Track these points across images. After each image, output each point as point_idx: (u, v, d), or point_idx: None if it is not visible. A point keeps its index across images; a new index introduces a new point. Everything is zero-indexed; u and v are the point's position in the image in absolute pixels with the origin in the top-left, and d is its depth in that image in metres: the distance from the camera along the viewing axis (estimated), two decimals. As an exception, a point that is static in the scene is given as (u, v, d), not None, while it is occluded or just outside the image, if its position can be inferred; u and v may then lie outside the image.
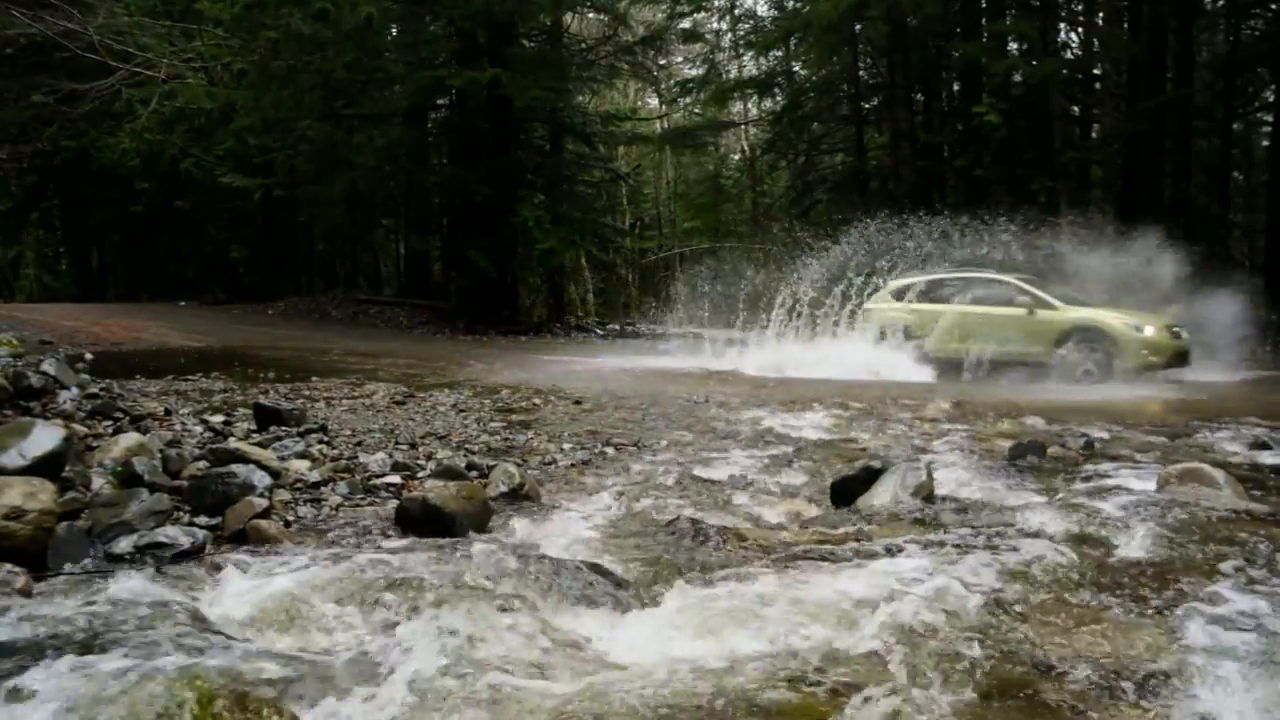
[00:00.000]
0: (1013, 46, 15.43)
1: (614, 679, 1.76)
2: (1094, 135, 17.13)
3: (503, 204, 15.96)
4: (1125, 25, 16.17)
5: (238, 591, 2.06)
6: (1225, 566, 2.34)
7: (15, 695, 1.49)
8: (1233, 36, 17.52)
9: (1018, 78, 14.89)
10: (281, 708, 1.40)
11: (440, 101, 18.12)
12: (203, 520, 2.59)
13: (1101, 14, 15.52)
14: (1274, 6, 16.61)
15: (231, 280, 22.66)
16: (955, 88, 17.88)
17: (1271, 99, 18.49)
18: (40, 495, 2.20)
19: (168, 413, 5.19)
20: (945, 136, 16.79)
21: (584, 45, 18.83)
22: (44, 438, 2.50)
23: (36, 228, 26.37)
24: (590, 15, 19.56)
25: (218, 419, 4.85)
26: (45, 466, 2.43)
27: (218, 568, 2.23)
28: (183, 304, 19.21)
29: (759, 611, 2.01)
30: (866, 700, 1.60)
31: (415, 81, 16.13)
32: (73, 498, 2.48)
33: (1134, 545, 2.53)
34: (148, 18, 16.17)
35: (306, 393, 6.80)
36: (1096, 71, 15.95)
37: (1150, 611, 2.12)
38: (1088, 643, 1.95)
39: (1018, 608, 2.11)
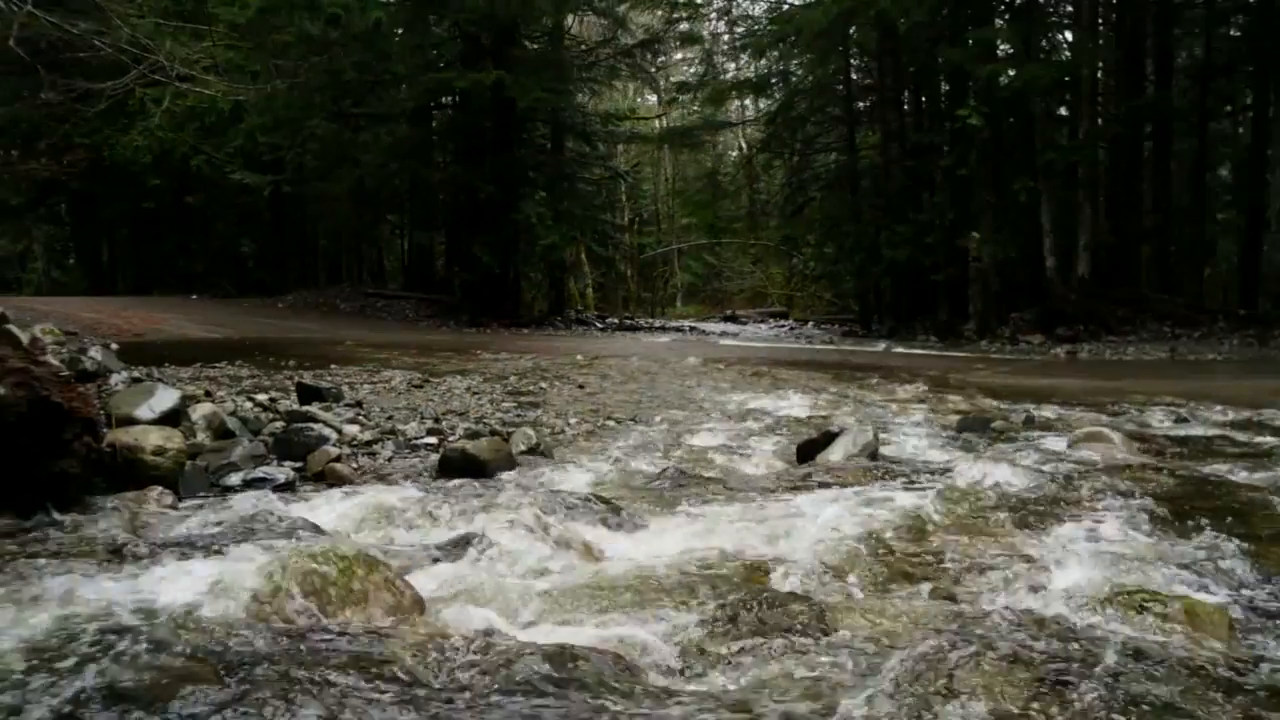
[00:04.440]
0: (1002, 49, 16.02)
1: (611, 569, 2.40)
2: (1081, 135, 17.74)
3: (505, 201, 16.53)
4: (1109, 32, 16.76)
5: (332, 509, 2.70)
6: (1096, 499, 2.98)
7: (192, 563, 2.12)
8: (1206, 44, 18.08)
9: (1004, 80, 15.48)
10: (389, 565, 2.03)
11: (445, 101, 18.68)
12: (289, 464, 3.23)
13: (1082, 20, 16.11)
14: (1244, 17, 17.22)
15: (240, 274, 23.19)
16: (945, 89, 18.47)
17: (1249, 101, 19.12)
18: (174, 439, 2.84)
19: (208, 394, 5.79)
20: (934, 137, 17.39)
21: (584, 47, 19.41)
22: (166, 397, 3.14)
23: (45, 223, 26.82)
24: (591, 18, 20.14)
25: (263, 397, 5.45)
26: (168, 419, 3.07)
27: (310, 496, 2.87)
28: (194, 297, 19.75)
29: (724, 527, 2.65)
30: (795, 575, 2.24)
31: (421, 83, 16.69)
32: (191, 443, 3.12)
33: (1031, 485, 3.18)
34: (159, 19, 16.70)
35: (329, 379, 7.30)
36: (1085, 73, 16.51)
37: (1030, 528, 2.76)
38: (975, 547, 2.59)
39: (926, 526, 2.75)
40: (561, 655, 1.71)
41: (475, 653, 1.71)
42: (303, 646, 1.69)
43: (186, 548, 2.23)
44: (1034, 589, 2.30)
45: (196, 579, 1.89)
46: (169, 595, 1.85)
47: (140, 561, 2.11)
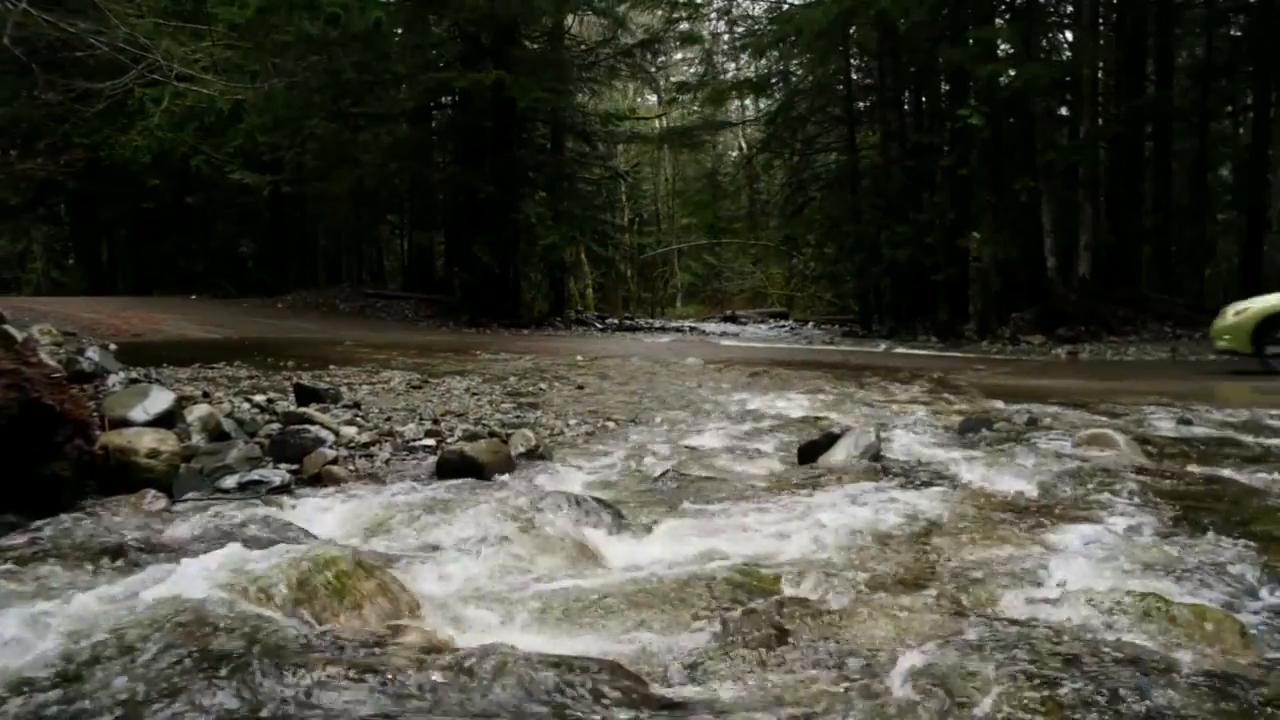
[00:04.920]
0: (1002, 49, 15.99)
1: (611, 573, 2.36)
2: (1081, 135, 17.71)
3: (505, 201, 16.51)
4: (1110, 32, 16.73)
5: (327, 512, 2.66)
6: (1102, 501, 2.95)
7: (184, 569, 2.08)
8: (1206, 44, 18.04)
9: (1004, 80, 15.46)
10: (385, 569, 1.99)
11: (445, 101, 18.64)
12: (284, 467, 3.20)
13: (1083, 20, 16.09)
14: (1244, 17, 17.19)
15: (239, 274, 23.15)
16: (945, 89, 18.44)
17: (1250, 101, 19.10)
18: (168, 442, 2.80)
19: (205, 395, 5.74)
20: (935, 137, 17.36)
21: (584, 47, 19.39)
22: (160, 399, 3.11)
23: (44, 223, 26.77)
24: (591, 18, 20.11)
25: (260, 398, 5.41)
26: (163, 421, 3.04)
27: (305, 498, 2.83)
28: (194, 297, 19.72)
29: (726, 530, 2.61)
30: (802, 580, 2.20)
31: (421, 83, 16.65)
32: (186, 446, 3.08)
33: (1035, 487, 3.14)
34: (159, 19, 16.66)
35: (327, 379, 7.26)
36: (1086, 72, 16.48)
37: (1035, 531, 2.72)
38: (980, 550, 2.55)
39: (930, 529, 2.71)
40: (561, 662, 1.67)
41: (473, 659, 1.68)
42: (296, 653, 1.66)
43: (178, 552, 2.20)
44: (1040, 593, 2.27)
45: (187, 585, 1.86)
46: (159, 602, 1.81)
47: (130, 567, 2.08)
